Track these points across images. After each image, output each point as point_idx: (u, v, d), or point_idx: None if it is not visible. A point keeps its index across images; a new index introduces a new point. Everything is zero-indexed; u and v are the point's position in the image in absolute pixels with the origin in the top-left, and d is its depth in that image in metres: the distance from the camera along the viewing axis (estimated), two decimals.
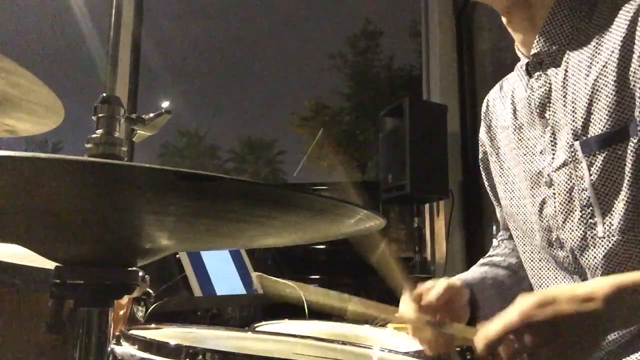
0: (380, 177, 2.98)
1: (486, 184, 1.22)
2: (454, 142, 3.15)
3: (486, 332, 0.74)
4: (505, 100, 1.09)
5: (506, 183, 1.09)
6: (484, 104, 1.19)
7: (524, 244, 1.07)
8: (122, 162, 0.60)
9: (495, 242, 1.28)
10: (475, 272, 1.15)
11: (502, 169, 1.11)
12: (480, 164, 1.21)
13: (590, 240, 0.89)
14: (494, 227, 3.31)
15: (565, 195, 0.92)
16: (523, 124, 1.01)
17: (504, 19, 1.00)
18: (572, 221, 0.91)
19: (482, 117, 1.18)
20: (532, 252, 1.05)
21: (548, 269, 1.01)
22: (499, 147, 1.11)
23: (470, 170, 3.23)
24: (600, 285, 0.74)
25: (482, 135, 1.18)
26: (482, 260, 1.22)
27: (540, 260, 1.03)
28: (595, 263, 0.89)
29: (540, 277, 1.03)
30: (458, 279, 1.07)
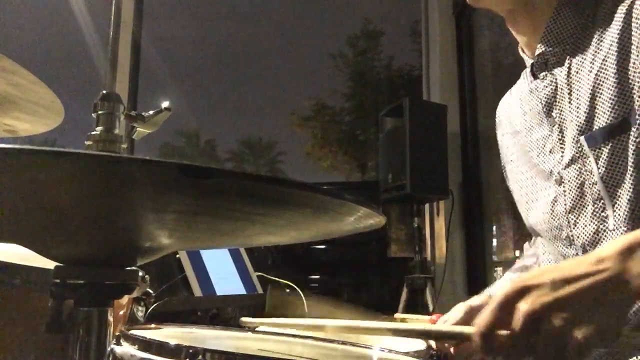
0: (380, 177, 2.98)
1: (511, 188, 1.22)
2: (454, 142, 3.15)
3: (480, 317, 0.64)
4: (515, 105, 1.10)
5: (521, 188, 1.10)
6: (497, 115, 1.20)
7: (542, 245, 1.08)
8: (121, 155, 0.60)
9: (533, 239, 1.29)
10: (506, 280, 1.17)
11: (515, 173, 1.12)
12: (504, 171, 1.22)
13: (602, 234, 0.89)
14: (494, 227, 3.32)
15: (576, 191, 0.92)
16: (533, 126, 1.02)
17: (507, 22, 1.01)
18: (585, 217, 0.91)
19: (497, 127, 1.19)
20: (548, 254, 1.06)
21: None
22: (512, 154, 1.13)
23: (470, 170, 3.23)
24: (608, 245, 0.65)
25: (501, 146, 1.20)
26: (517, 264, 1.23)
27: (556, 262, 1.03)
28: None
29: None
30: (484, 295, 1.08)
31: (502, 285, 1.17)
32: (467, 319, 0.98)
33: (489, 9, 0.99)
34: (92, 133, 0.67)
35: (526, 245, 1.29)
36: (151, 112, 0.77)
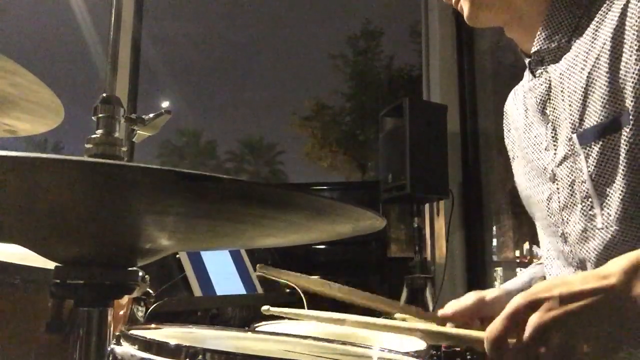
0: (380, 177, 2.98)
1: (517, 183, 1.25)
2: (454, 142, 3.15)
3: (491, 326, 0.66)
4: (518, 102, 1.11)
5: (526, 189, 1.11)
6: (504, 110, 1.21)
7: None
8: (122, 163, 0.60)
9: None
10: (526, 274, 1.18)
11: (518, 170, 1.14)
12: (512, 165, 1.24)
13: (590, 232, 0.90)
14: (494, 227, 3.32)
15: (567, 189, 0.93)
16: (533, 122, 1.03)
17: (505, 31, 1.04)
18: (575, 214, 0.92)
19: (504, 125, 1.21)
20: (548, 250, 1.06)
21: (560, 267, 1.01)
22: (517, 150, 1.14)
23: (470, 170, 3.23)
24: (614, 262, 0.68)
25: (507, 142, 1.21)
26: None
27: (557, 259, 1.03)
28: (596, 255, 0.89)
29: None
30: (500, 290, 1.09)
31: (517, 280, 1.17)
32: (475, 310, 1.00)
33: (487, 25, 1.02)
34: (93, 136, 0.67)
35: None
36: (151, 115, 0.78)
